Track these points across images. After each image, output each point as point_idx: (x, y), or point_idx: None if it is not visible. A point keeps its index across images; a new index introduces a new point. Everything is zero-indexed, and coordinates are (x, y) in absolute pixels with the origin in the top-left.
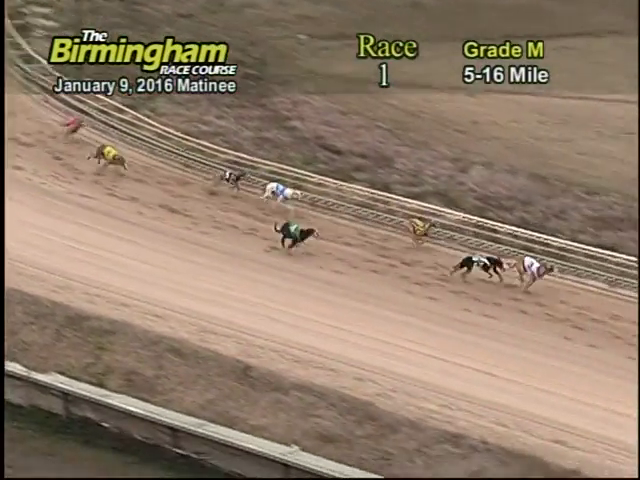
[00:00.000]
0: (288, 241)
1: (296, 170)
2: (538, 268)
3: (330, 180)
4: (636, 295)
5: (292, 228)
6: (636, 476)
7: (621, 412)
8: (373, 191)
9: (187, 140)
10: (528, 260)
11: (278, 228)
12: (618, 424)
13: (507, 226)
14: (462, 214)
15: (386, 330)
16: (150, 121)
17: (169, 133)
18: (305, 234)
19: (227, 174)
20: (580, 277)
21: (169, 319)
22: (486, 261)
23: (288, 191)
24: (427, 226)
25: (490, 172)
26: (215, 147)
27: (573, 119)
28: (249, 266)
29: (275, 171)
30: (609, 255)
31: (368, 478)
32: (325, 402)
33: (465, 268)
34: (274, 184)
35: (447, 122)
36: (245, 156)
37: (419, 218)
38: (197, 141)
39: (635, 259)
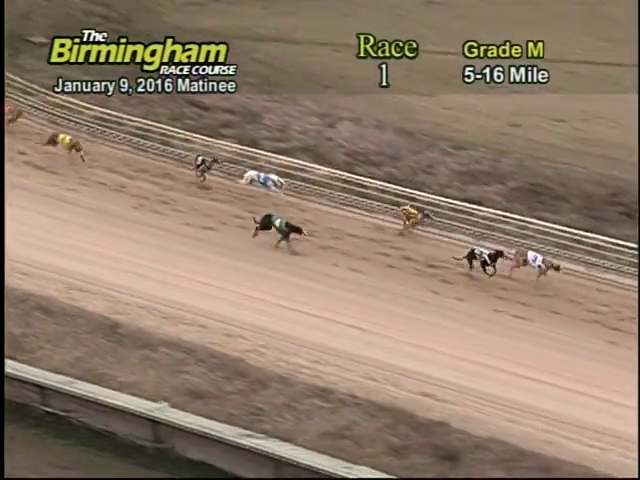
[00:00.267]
0: (263, 231)
1: (163, 126)
2: (543, 261)
3: (197, 136)
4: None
5: (277, 222)
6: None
7: (489, 364)
8: (241, 147)
9: (52, 96)
10: (531, 254)
11: (257, 219)
12: (488, 377)
13: (376, 181)
14: (330, 169)
15: (255, 286)
16: (14, 77)
17: (34, 89)
18: (292, 229)
19: (200, 160)
20: (447, 231)
21: (35, 276)
22: (487, 258)
23: (273, 177)
24: (420, 216)
25: (358, 127)
26: (81, 103)
27: (439, 74)
28: (115, 222)
29: (142, 127)
30: (475, 209)
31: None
32: (194, 358)
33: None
34: (254, 172)
35: (314, 77)
36: (111, 112)
37: (412, 206)
38: (63, 97)
39: (501, 212)
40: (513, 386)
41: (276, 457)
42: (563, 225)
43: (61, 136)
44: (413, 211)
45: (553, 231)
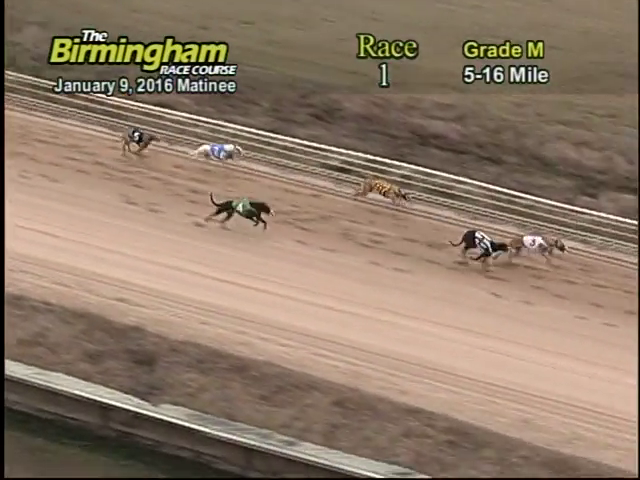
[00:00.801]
0: (223, 216)
1: None
2: (540, 245)
3: None
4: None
5: (240, 207)
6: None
7: (184, 268)
8: None
9: None
10: (528, 239)
11: (216, 201)
12: (183, 281)
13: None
14: (18, 74)
15: None
16: None
17: None
18: (258, 208)
19: (136, 135)
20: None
21: None
22: (489, 245)
23: (228, 147)
24: (396, 189)
25: (45, 32)
26: None
27: None
28: None
29: None
30: (166, 112)
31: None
32: None
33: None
34: (207, 146)
35: None
36: None
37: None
38: None
39: (191, 116)
40: (208, 289)
41: None
42: (253, 127)
43: None
44: (386, 185)
45: (243, 133)
